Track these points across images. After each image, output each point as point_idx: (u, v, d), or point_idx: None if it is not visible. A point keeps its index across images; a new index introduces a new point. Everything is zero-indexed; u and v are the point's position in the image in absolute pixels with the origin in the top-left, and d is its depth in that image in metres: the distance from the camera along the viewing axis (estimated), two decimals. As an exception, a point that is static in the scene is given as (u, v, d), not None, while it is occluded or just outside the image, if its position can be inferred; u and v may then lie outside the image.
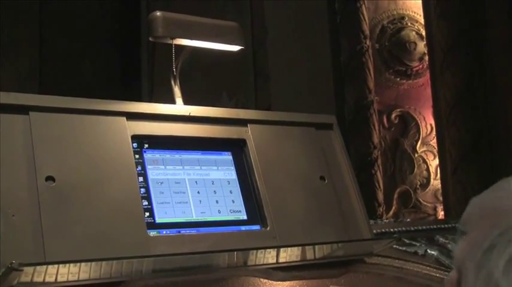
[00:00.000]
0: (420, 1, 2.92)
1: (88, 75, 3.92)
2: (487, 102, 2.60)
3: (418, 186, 2.95)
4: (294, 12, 3.21)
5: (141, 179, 1.59)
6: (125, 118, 1.61)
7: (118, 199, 1.50)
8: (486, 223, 0.81)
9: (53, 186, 1.42)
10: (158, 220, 1.58)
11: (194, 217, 1.65)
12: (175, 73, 1.79)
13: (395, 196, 2.90)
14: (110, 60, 4.13)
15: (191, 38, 1.79)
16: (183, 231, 1.61)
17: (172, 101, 1.78)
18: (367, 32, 2.95)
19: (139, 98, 3.81)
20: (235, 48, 1.90)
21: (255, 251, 1.65)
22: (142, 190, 1.58)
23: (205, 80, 3.53)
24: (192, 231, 1.62)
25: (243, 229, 1.70)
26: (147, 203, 1.57)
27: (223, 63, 3.01)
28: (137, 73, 4.15)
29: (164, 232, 1.58)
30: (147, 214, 1.56)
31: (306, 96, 3.05)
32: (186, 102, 1.81)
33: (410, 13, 3.04)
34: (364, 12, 2.96)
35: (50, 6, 3.91)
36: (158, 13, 1.73)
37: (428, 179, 2.97)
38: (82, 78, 3.89)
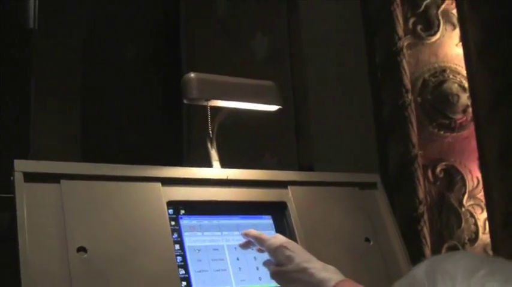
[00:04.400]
0: (462, 53, 2.85)
1: (132, 139, 3.92)
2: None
3: (466, 241, 2.83)
4: (334, 69, 3.17)
5: (177, 246, 1.54)
6: (160, 184, 1.57)
7: (153, 269, 1.44)
8: None
9: (85, 257, 1.37)
10: (196, 290, 1.51)
11: (234, 285, 1.58)
12: (211, 135, 1.75)
13: (444, 251, 2.78)
14: (153, 123, 4.13)
15: (227, 99, 1.74)
16: (223, 301, 1.54)
17: (209, 164, 1.73)
18: (409, 86, 2.89)
19: (180, 162, 3.77)
20: (273, 108, 1.85)
21: (298, 320, 1.57)
22: (179, 258, 1.52)
23: (245, 140, 3.49)
24: (232, 300, 1.55)
25: (286, 296, 1.62)
26: (184, 272, 1.51)
27: (264, 123, 2.97)
28: (180, 136, 4.13)
29: (202, 302, 1.51)
30: (184, 283, 1.49)
31: (348, 154, 2.97)
32: (225, 164, 1.76)
33: (452, 65, 2.97)
34: (405, 67, 2.90)
35: (91, 71, 3.95)
36: (192, 75, 1.69)
37: (476, 233, 2.84)
38: (125, 142, 3.88)
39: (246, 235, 1.59)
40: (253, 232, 1.58)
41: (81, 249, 1.38)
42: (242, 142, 3.44)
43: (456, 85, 2.91)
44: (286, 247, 1.50)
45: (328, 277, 1.42)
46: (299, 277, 1.47)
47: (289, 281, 1.51)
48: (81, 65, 3.93)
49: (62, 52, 3.82)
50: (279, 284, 1.54)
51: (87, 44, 3.99)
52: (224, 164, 1.76)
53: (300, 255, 1.49)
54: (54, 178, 1.44)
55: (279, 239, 1.54)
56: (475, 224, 2.82)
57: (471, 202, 2.84)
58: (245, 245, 1.60)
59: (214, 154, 1.75)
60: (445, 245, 2.80)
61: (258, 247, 1.57)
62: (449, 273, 0.79)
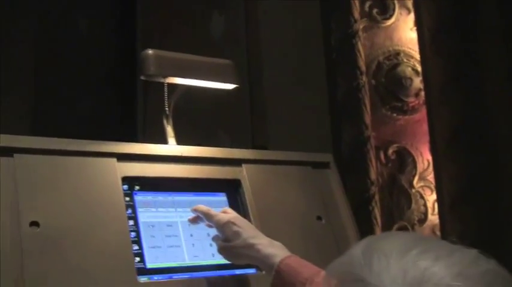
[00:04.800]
0: (416, 37, 2.90)
1: (84, 114, 3.86)
2: (485, 138, 2.56)
3: (415, 221, 2.90)
4: (289, 50, 3.18)
5: (131, 222, 1.54)
6: (115, 159, 1.56)
7: (107, 244, 1.44)
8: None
9: (37, 232, 1.35)
10: (149, 265, 1.52)
11: (187, 261, 1.59)
12: (167, 112, 1.75)
13: (394, 232, 2.85)
14: (107, 99, 4.07)
15: (184, 77, 1.75)
16: (175, 276, 1.55)
17: (164, 141, 1.74)
18: (363, 69, 2.92)
19: (135, 138, 3.75)
20: (229, 86, 1.86)
21: (250, 296, 1.59)
22: (133, 233, 1.52)
23: (200, 118, 3.49)
24: (185, 276, 1.56)
25: (238, 272, 1.64)
26: (137, 247, 1.52)
27: (219, 101, 2.97)
28: (134, 112, 4.09)
29: (155, 278, 1.52)
30: (137, 259, 1.50)
31: (302, 135, 3.00)
32: (180, 141, 1.76)
33: (406, 49, 3.02)
34: (360, 49, 2.94)
35: (44, 44, 3.87)
36: (150, 51, 1.69)
37: (426, 214, 2.92)
38: (77, 117, 3.83)
39: (195, 210, 1.61)
40: (202, 207, 1.60)
41: (34, 223, 1.36)
42: (196, 120, 3.45)
43: (409, 69, 2.96)
44: (233, 223, 1.53)
45: (274, 253, 1.45)
46: (246, 252, 1.50)
47: (237, 257, 1.54)
48: (33, 37, 3.86)
49: (15, 24, 3.74)
50: (226, 259, 1.56)
51: (39, 16, 3.91)
52: (178, 142, 1.76)
53: (247, 231, 1.52)
54: (7, 152, 1.41)
55: (227, 215, 1.56)
56: (425, 205, 2.89)
57: (421, 184, 2.91)
58: (194, 220, 1.62)
59: (170, 130, 1.75)
60: (395, 226, 2.87)
61: (207, 222, 1.59)
62: (384, 251, 0.82)
